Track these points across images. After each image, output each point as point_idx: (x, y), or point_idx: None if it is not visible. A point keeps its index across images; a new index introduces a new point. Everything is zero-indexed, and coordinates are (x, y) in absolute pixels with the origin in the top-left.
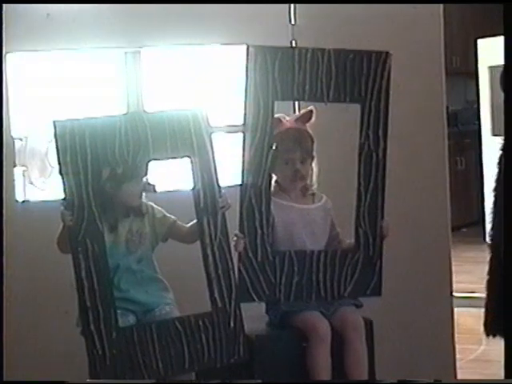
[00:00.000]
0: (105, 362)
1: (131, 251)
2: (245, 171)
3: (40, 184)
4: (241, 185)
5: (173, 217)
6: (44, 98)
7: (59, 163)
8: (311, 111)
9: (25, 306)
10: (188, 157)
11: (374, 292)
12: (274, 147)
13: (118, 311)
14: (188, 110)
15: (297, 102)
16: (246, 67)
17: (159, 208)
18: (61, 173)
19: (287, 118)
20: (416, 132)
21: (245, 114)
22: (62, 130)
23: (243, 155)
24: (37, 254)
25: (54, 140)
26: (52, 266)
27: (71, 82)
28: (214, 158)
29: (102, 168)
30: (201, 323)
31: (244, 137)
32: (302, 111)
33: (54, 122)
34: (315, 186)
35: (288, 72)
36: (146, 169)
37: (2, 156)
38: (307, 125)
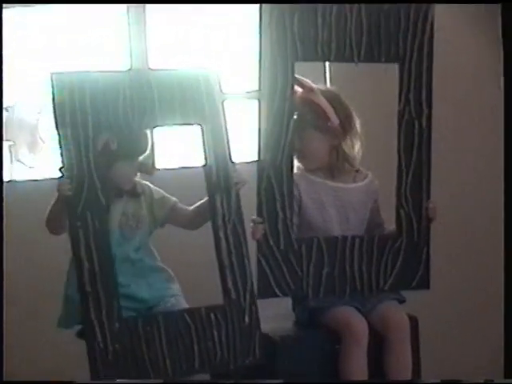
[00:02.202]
0: (106, 357)
1: (127, 237)
2: (262, 145)
3: (29, 161)
4: (258, 162)
5: (173, 198)
6: (34, 59)
7: (56, 124)
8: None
9: (17, 297)
10: (199, 124)
11: (420, 284)
12: (295, 116)
13: (125, 304)
14: (199, 70)
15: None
16: (260, 22)
17: (157, 188)
18: (58, 135)
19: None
20: (468, 96)
21: (259, 78)
22: (60, 84)
23: (259, 126)
24: (26, 241)
25: (51, 97)
26: (44, 253)
27: (66, 37)
28: (226, 128)
29: (103, 132)
30: (212, 317)
31: (259, 105)
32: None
33: (52, 74)
34: (354, 161)
35: (310, 28)
36: (145, 144)
37: None
38: (310, 93)
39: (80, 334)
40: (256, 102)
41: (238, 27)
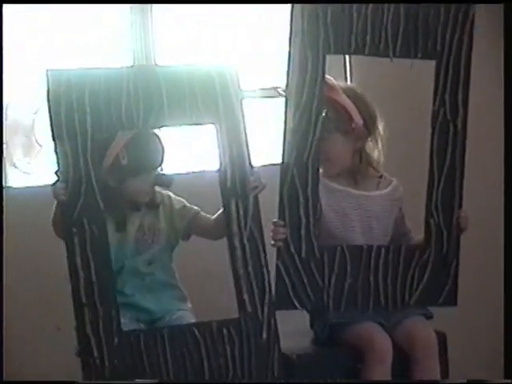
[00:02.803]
0: (103, 374)
1: (140, 252)
2: (287, 144)
3: (24, 166)
4: (282, 162)
5: (195, 207)
6: (31, 57)
7: (51, 124)
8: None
9: (15, 304)
10: (212, 124)
11: (447, 301)
12: (324, 114)
13: (124, 318)
14: (212, 66)
15: (347, 57)
16: (292, 11)
17: (178, 198)
18: (53, 137)
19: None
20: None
21: (288, 72)
22: (56, 82)
23: (285, 124)
24: (22, 250)
25: (46, 95)
26: (42, 261)
27: (65, 34)
28: (244, 126)
29: (104, 132)
30: (225, 332)
31: (286, 100)
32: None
33: (47, 71)
34: (378, 169)
35: (344, 19)
36: (159, 157)
37: None
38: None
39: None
40: (276, 100)
41: (247, 26)
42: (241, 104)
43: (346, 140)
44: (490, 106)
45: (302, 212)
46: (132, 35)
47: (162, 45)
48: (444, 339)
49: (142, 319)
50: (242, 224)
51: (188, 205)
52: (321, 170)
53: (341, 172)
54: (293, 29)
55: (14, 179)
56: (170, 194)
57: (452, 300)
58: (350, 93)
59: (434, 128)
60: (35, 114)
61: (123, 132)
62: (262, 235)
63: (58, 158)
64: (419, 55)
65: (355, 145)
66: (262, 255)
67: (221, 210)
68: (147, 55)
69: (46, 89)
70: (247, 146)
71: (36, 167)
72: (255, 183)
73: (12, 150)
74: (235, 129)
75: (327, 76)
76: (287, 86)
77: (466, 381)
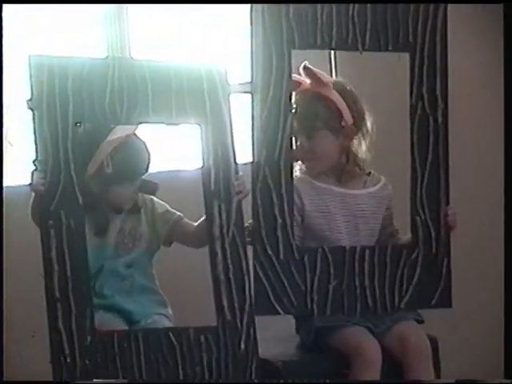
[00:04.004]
0: (74, 373)
1: (120, 254)
2: (256, 142)
3: None
4: (253, 161)
5: (178, 212)
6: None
7: (32, 109)
8: (304, 67)
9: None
10: (198, 125)
11: (441, 302)
12: (293, 111)
13: (102, 319)
14: (201, 64)
15: (332, 52)
16: (251, 7)
17: (160, 201)
18: (33, 123)
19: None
20: (468, 96)
21: (252, 69)
22: (39, 68)
23: (252, 122)
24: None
25: (29, 80)
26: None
27: (36, 23)
28: (231, 128)
29: (86, 122)
30: (202, 339)
31: (252, 98)
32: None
33: (30, 57)
34: (365, 165)
35: (307, 12)
36: (145, 165)
37: None
38: (324, 88)
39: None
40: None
41: (228, 24)
42: (228, 104)
43: (335, 138)
44: (490, 106)
45: (276, 212)
46: (106, 28)
47: (135, 39)
48: (436, 345)
49: (120, 321)
50: (225, 229)
51: (171, 209)
52: (306, 168)
53: (326, 170)
54: (253, 24)
55: None
56: (153, 197)
57: (446, 301)
58: (339, 88)
59: (412, 122)
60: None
61: (109, 140)
62: (244, 242)
63: (36, 146)
64: (390, 48)
65: (343, 142)
66: (244, 262)
67: (203, 217)
68: (122, 49)
69: (27, 74)
70: (233, 149)
71: (8, 168)
72: (239, 188)
73: None
74: (221, 131)
75: (320, 71)
76: (251, 82)
77: (454, 381)
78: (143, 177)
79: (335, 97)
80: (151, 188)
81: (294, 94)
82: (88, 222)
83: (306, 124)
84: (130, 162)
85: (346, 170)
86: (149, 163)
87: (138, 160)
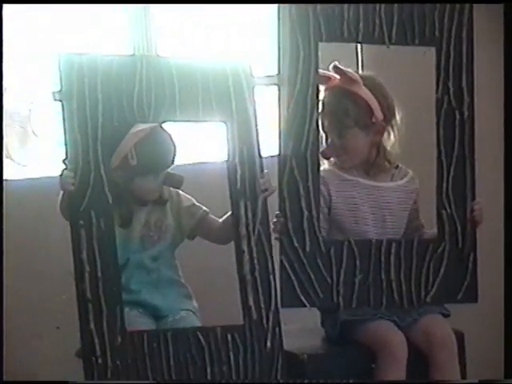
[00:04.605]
0: (105, 374)
1: (146, 247)
2: (283, 134)
3: (21, 158)
4: (279, 154)
5: (204, 207)
6: (27, 42)
7: (62, 110)
8: (334, 66)
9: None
10: (224, 122)
11: (467, 297)
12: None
13: (129, 314)
14: (227, 62)
15: (359, 47)
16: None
17: (186, 195)
18: (64, 123)
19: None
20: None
21: (279, 61)
22: (69, 67)
23: (279, 114)
24: (23, 247)
25: (59, 78)
26: (44, 260)
27: (62, 19)
28: (256, 126)
29: (115, 122)
30: (229, 338)
31: (279, 90)
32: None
33: (59, 55)
34: (393, 160)
35: (334, 5)
36: (170, 158)
37: None
38: (355, 85)
39: (79, 353)
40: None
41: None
42: (253, 99)
43: (365, 134)
44: (490, 106)
45: (303, 205)
46: (132, 25)
47: (161, 37)
48: (461, 338)
49: (147, 317)
50: (251, 227)
51: (197, 204)
52: (338, 162)
53: (356, 165)
54: (281, 16)
55: (10, 172)
56: (178, 190)
57: (472, 296)
58: (369, 83)
59: (438, 116)
60: (32, 103)
61: (134, 131)
62: (269, 241)
63: (66, 146)
64: (417, 42)
65: (373, 138)
66: (270, 261)
67: (228, 213)
68: (148, 46)
69: (57, 73)
70: (258, 147)
71: (32, 158)
72: (265, 185)
73: (7, 141)
74: (247, 129)
75: (348, 70)
76: (279, 74)
77: (477, 381)
78: (169, 170)
79: (365, 93)
80: (176, 181)
81: (322, 90)
82: (114, 215)
83: (337, 122)
84: (154, 154)
85: (375, 163)
86: (174, 155)
87: (162, 152)
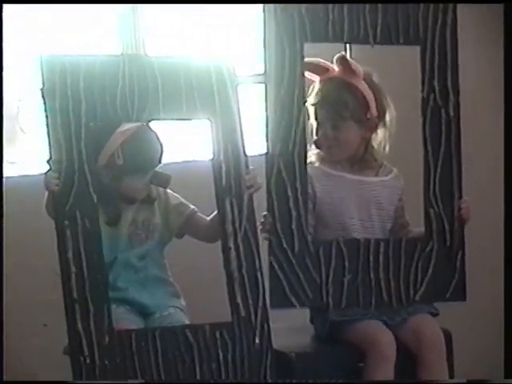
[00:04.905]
0: (94, 374)
1: (133, 246)
2: (270, 134)
3: (9, 155)
4: (267, 153)
5: (191, 205)
6: (13, 41)
7: (45, 111)
8: (342, 57)
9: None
10: (208, 120)
11: (455, 295)
12: (308, 103)
13: (116, 312)
14: (210, 60)
15: (348, 46)
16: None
17: (174, 193)
18: (47, 123)
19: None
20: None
21: (265, 61)
22: (51, 67)
23: (266, 114)
24: (13, 245)
25: (41, 80)
26: (32, 256)
27: (49, 18)
28: (240, 123)
29: (98, 121)
30: (218, 335)
31: (266, 90)
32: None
33: (41, 56)
34: (381, 158)
35: (319, 6)
36: (157, 157)
37: None
38: (357, 74)
39: (67, 351)
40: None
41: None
42: (237, 97)
43: (358, 128)
44: (490, 106)
45: (291, 205)
46: (121, 26)
47: (150, 37)
48: (449, 337)
49: (134, 314)
50: (237, 224)
51: (185, 202)
52: (320, 154)
53: (343, 159)
54: (266, 17)
55: None
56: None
57: (460, 294)
58: (367, 78)
59: (424, 115)
60: (20, 100)
61: (120, 130)
62: (256, 237)
63: (50, 147)
64: (401, 41)
65: (365, 134)
66: (256, 258)
67: (215, 212)
68: (137, 47)
69: (39, 74)
70: (243, 143)
71: (20, 156)
72: (250, 182)
73: None
74: (231, 125)
75: (351, 61)
76: (265, 73)
77: (465, 381)
78: (156, 168)
79: (364, 88)
80: (164, 180)
81: (318, 80)
82: (100, 212)
83: (334, 113)
84: (141, 153)
85: (362, 159)
86: (161, 154)
87: (149, 151)
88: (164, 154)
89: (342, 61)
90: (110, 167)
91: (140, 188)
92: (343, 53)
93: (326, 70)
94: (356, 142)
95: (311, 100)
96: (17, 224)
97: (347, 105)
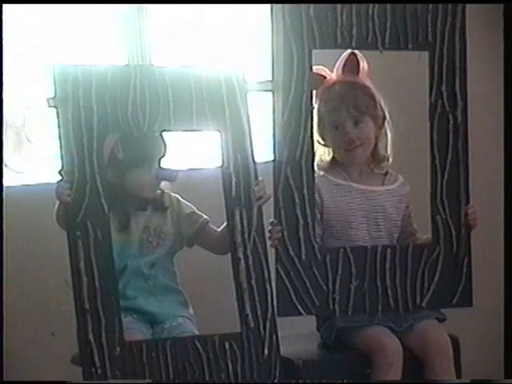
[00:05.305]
0: (97, 381)
1: (144, 253)
2: (277, 141)
3: (15, 165)
4: (274, 160)
5: (204, 216)
6: (21, 50)
7: (58, 122)
8: (353, 54)
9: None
10: (218, 131)
11: (462, 301)
12: (316, 108)
13: (128, 319)
14: (220, 70)
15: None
16: (271, 7)
17: (187, 202)
18: (59, 134)
19: (328, 72)
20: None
21: (273, 68)
22: (63, 78)
23: (274, 121)
24: (19, 253)
25: (52, 89)
26: (41, 267)
27: (57, 28)
28: (250, 133)
29: (110, 132)
30: (227, 346)
31: (273, 97)
32: (342, 56)
33: (54, 66)
34: (389, 161)
35: (328, 12)
36: (159, 148)
37: None
38: (361, 76)
39: (75, 360)
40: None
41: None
42: (247, 106)
43: (373, 124)
44: (490, 105)
45: (298, 212)
46: (126, 34)
47: (156, 46)
48: (456, 343)
49: (143, 323)
50: (246, 235)
51: (198, 212)
52: (324, 163)
53: (363, 160)
54: (274, 24)
55: (5, 178)
56: (179, 197)
57: (467, 300)
58: (370, 77)
59: (432, 121)
60: (27, 109)
61: None
62: (265, 248)
63: (62, 157)
64: (410, 46)
65: (376, 132)
66: (265, 269)
67: (225, 224)
68: (142, 56)
69: (51, 84)
70: (253, 154)
71: (27, 165)
72: (260, 193)
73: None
74: (241, 137)
75: (361, 56)
76: (273, 80)
77: (469, 380)
78: (162, 165)
79: (371, 85)
80: (170, 175)
81: (325, 86)
82: (111, 218)
83: (353, 110)
84: (140, 143)
85: (367, 166)
86: (163, 147)
87: (148, 141)
88: (173, 161)
89: (352, 57)
90: (113, 164)
91: (146, 183)
92: (355, 50)
93: (324, 77)
94: (373, 138)
95: (327, 107)
96: (19, 233)
97: (363, 100)
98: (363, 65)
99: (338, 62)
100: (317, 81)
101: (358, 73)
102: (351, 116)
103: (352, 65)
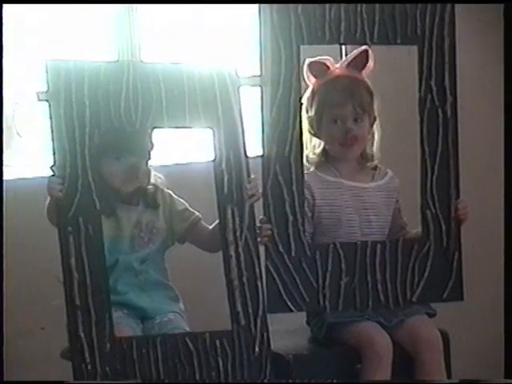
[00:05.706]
0: (95, 380)
1: (135, 249)
2: (265, 137)
3: (5, 158)
4: (263, 155)
5: (196, 213)
6: (11, 45)
7: (50, 117)
8: (365, 51)
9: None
10: (210, 128)
11: (453, 295)
12: (310, 97)
13: (118, 313)
14: (212, 66)
15: (343, 47)
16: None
17: (180, 199)
18: (51, 130)
19: (336, 65)
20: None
21: (261, 64)
22: (56, 73)
23: (262, 117)
24: (11, 248)
25: (45, 84)
26: (31, 261)
27: (48, 24)
28: (243, 129)
29: (102, 128)
30: (218, 344)
31: (262, 92)
32: (354, 52)
33: (47, 61)
34: (376, 158)
35: (315, 7)
36: (135, 144)
37: None
38: (363, 73)
39: (65, 354)
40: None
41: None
42: (239, 101)
43: (368, 123)
44: (490, 105)
45: (287, 209)
46: (116, 30)
47: (146, 42)
48: (446, 338)
49: (133, 319)
50: (238, 233)
51: (190, 209)
52: (313, 158)
53: (335, 162)
54: (262, 20)
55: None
56: (171, 193)
57: (458, 295)
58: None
59: (422, 115)
60: (16, 104)
61: None
62: (256, 246)
63: (54, 153)
64: (399, 41)
65: (369, 129)
66: (257, 266)
67: (217, 221)
68: (133, 52)
69: (43, 78)
70: (245, 151)
71: (16, 159)
72: (252, 191)
73: None
74: (233, 134)
75: (372, 55)
76: (261, 75)
77: (458, 381)
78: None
79: (369, 83)
80: (141, 175)
81: (328, 77)
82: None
83: (356, 105)
84: (112, 131)
85: (357, 163)
86: (139, 144)
87: (123, 135)
88: (163, 156)
89: (363, 54)
90: (92, 146)
91: (115, 174)
92: (366, 47)
93: (328, 68)
94: (367, 137)
95: (329, 99)
96: (13, 226)
97: (366, 98)
98: (370, 63)
99: (348, 56)
100: (320, 70)
101: (361, 70)
102: (355, 112)
103: (360, 61)
